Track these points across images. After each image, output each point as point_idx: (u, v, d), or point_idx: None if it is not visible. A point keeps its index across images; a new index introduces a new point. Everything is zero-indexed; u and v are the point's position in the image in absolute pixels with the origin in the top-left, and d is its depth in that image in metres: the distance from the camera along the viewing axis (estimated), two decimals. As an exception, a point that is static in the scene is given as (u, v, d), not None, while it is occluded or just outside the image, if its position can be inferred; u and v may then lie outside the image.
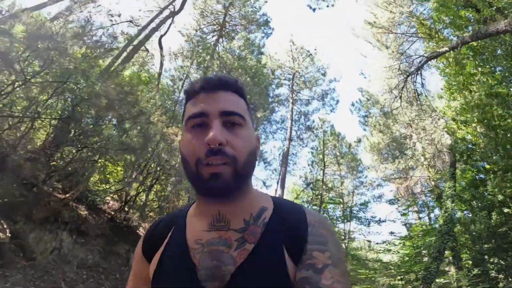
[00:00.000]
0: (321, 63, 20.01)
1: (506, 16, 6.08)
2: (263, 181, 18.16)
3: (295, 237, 0.65)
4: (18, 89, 5.22)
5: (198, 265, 0.64)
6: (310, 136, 20.15)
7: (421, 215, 16.95)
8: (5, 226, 4.70)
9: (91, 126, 6.37)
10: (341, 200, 18.07)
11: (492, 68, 7.32)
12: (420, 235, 10.63)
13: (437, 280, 7.56)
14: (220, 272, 0.62)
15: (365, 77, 14.03)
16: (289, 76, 20.23)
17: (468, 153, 8.04)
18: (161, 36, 12.92)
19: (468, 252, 8.38)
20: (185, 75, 13.36)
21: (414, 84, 9.80)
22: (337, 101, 19.21)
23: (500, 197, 7.31)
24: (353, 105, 17.81)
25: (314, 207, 16.67)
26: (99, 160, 6.97)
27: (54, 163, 6.23)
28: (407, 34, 11.50)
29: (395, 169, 16.38)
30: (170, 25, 13.11)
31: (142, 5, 13.46)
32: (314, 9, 11.41)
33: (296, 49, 19.66)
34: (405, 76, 9.48)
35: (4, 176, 4.69)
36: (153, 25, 11.72)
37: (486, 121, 7.17)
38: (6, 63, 4.74)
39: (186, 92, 0.73)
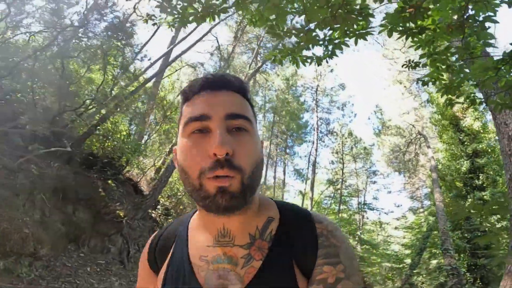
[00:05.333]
0: (339, 78, 22.89)
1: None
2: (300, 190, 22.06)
3: (305, 250, 0.59)
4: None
5: (204, 284, 0.58)
6: (331, 139, 23.38)
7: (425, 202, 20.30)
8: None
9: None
10: (356, 192, 21.73)
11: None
12: (416, 228, 14.06)
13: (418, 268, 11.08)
14: None
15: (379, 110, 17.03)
16: (312, 87, 23.10)
17: (447, 175, 10.87)
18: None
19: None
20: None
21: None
22: (355, 114, 22.22)
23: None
24: (369, 118, 20.81)
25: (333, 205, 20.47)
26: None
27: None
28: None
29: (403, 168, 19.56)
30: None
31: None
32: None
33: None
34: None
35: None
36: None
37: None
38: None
39: (184, 92, 0.63)
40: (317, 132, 21.29)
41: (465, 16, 2.48)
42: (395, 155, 17.60)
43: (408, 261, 12.24)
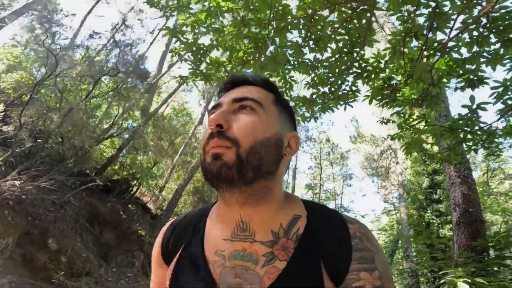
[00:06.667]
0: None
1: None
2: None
3: (337, 252, 0.54)
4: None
5: (218, 281, 0.54)
6: (309, 145, 24.65)
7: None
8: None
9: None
10: (334, 196, 23.23)
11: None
12: (388, 230, 15.55)
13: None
14: None
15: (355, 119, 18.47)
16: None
17: (412, 190, 12.29)
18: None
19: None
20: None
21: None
22: (333, 123, 23.67)
23: (437, 221, 11.40)
24: (346, 127, 22.29)
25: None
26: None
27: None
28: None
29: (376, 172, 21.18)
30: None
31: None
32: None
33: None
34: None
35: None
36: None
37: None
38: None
39: (218, 91, 0.70)
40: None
41: (424, 95, 3.52)
42: (368, 162, 19.14)
43: None
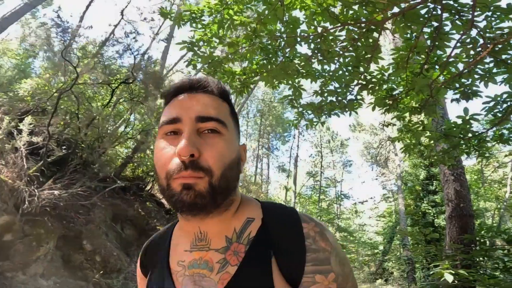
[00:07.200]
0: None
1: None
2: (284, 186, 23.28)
3: (290, 253, 0.54)
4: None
5: None
6: (310, 134, 24.98)
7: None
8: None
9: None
10: (334, 183, 23.78)
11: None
12: (387, 216, 16.15)
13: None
14: None
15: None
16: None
17: (409, 181, 12.74)
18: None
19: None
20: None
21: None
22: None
23: (433, 211, 11.50)
24: (345, 115, 22.62)
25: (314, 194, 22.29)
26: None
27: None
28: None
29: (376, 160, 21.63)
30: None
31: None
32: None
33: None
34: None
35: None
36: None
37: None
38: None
39: (163, 95, 0.64)
40: (298, 129, 22.79)
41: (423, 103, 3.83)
42: (368, 150, 19.53)
43: (381, 247, 14.39)
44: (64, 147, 5.01)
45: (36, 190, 4.09)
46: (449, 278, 2.77)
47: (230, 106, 0.64)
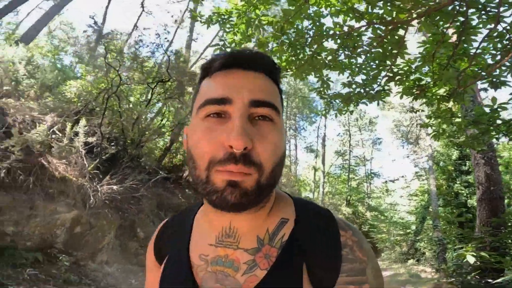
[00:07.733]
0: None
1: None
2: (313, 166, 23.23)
3: (325, 264, 0.51)
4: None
5: (201, 286, 0.53)
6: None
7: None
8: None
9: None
10: (363, 162, 23.56)
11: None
12: (419, 195, 15.92)
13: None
14: None
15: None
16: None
17: (441, 161, 12.38)
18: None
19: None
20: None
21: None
22: None
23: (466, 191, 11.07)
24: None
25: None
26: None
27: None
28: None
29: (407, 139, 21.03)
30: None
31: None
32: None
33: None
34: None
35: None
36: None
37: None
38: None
39: (204, 67, 0.55)
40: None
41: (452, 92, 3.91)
42: (398, 128, 19.00)
43: (413, 227, 14.33)
44: (113, 144, 5.63)
45: (97, 186, 4.74)
46: (470, 259, 2.98)
47: (279, 88, 0.56)
